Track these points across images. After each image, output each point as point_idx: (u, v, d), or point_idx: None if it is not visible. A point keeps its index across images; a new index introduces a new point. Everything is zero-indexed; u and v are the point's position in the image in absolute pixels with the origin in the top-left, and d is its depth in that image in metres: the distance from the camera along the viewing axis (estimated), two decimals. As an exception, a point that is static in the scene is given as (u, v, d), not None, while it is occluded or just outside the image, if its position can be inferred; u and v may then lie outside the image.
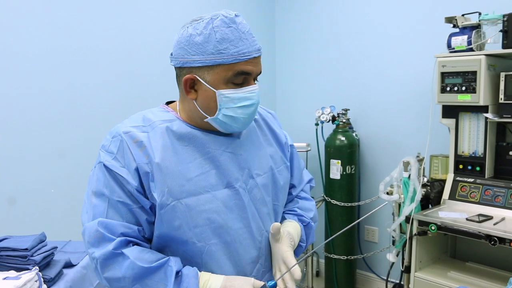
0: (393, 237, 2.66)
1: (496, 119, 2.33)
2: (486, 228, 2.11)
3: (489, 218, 2.23)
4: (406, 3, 3.02)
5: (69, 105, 2.55)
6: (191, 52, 1.08)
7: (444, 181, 2.60)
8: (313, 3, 3.53)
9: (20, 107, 2.34)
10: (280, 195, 1.30)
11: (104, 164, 1.10)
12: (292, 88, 3.77)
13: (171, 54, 1.15)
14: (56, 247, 1.84)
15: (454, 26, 2.49)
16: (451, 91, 2.43)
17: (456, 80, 2.41)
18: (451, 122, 2.53)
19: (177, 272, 1.07)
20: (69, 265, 1.82)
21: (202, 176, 1.12)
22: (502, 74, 2.31)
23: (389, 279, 2.87)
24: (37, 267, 1.60)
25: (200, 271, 1.11)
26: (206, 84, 1.09)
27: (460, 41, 2.44)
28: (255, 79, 1.15)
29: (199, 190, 1.11)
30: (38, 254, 1.69)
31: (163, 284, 1.05)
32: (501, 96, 2.31)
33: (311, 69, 3.60)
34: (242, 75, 1.09)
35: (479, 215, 2.26)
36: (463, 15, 2.49)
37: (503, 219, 2.21)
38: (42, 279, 1.60)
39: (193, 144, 1.14)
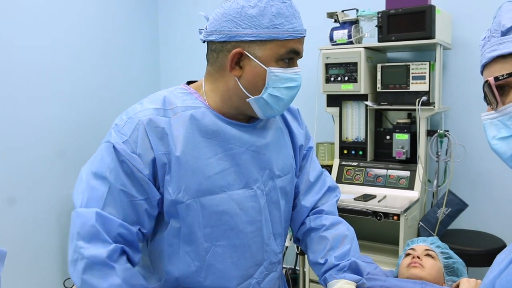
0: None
1: (375, 106, 2.55)
2: (372, 205, 2.30)
3: (373, 196, 2.43)
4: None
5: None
6: (242, 25, 1.00)
7: (330, 166, 2.77)
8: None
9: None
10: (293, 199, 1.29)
11: (113, 146, 0.99)
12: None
13: (206, 28, 1.06)
14: None
15: (335, 21, 2.67)
16: (334, 81, 2.60)
17: (339, 71, 2.59)
18: (335, 110, 2.71)
19: None
20: None
21: (221, 174, 1.06)
22: (379, 65, 2.54)
23: (284, 265, 2.96)
24: None
25: (200, 272, 1.07)
26: (256, 60, 1.01)
27: (341, 34, 2.62)
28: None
29: (215, 190, 1.06)
30: None
31: None
32: (378, 85, 2.53)
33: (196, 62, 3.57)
34: (293, 53, 1.05)
35: (364, 195, 2.45)
36: (343, 11, 2.68)
37: (384, 197, 2.42)
38: None
39: (217, 138, 1.07)
